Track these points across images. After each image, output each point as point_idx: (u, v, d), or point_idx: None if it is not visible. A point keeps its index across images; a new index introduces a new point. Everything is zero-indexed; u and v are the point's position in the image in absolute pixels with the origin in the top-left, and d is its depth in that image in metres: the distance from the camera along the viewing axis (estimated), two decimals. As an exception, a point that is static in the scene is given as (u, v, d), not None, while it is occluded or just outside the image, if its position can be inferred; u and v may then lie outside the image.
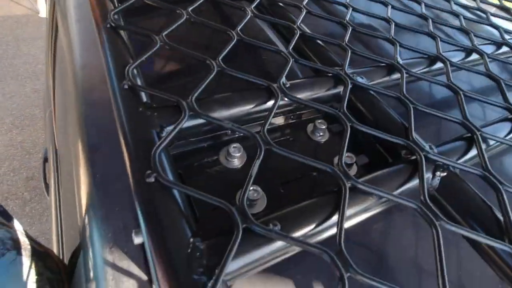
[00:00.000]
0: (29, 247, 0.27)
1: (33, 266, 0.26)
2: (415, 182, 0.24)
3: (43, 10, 2.54)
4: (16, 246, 0.26)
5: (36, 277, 0.26)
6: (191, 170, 0.25)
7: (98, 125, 0.30)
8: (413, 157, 0.25)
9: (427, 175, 0.24)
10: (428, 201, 0.21)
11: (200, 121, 0.24)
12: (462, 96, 0.32)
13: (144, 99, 0.25)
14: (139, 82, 0.26)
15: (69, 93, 0.35)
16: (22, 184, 1.62)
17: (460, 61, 0.39)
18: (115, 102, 0.24)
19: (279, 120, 0.30)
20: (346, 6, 0.42)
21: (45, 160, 0.91)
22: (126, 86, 0.24)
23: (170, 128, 0.23)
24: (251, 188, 0.23)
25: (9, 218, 0.32)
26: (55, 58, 0.79)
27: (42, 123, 1.75)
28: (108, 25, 0.29)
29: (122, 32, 0.30)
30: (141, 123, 0.23)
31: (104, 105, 0.31)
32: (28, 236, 0.28)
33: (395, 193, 0.23)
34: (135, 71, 0.27)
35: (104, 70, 0.27)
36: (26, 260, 0.26)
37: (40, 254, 0.27)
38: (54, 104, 0.84)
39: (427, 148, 0.26)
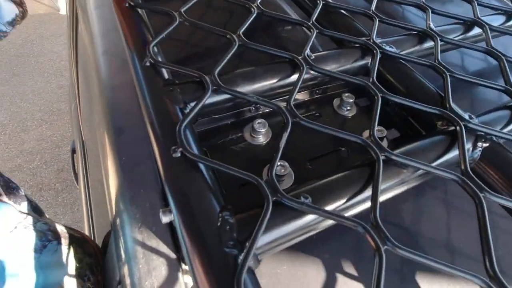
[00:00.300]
0: (67, 235, 0.28)
1: (73, 253, 0.27)
2: (454, 154, 0.22)
3: (63, 8, 2.61)
4: (56, 236, 0.27)
5: (77, 264, 0.26)
6: (216, 148, 0.25)
7: (121, 109, 0.30)
8: (451, 128, 0.23)
9: (468, 146, 0.22)
10: (470, 172, 0.20)
11: (224, 96, 0.23)
12: (505, 61, 0.29)
13: (166, 76, 0.25)
14: (160, 60, 0.26)
15: (92, 80, 0.35)
16: (54, 176, 1.71)
17: (501, 25, 0.35)
18: (137, 81, 0.24)
19: (304, 95, 0.29)
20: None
21: (73, 151, 0.95)
22: (147, 64, 0.24)
23: (193, 103, 0.23)
24: (279, 163, 0.22)
25: (41, 213, 0.33)
26: (77, 52, 0.80)
27: (68, 117, 1.82)
28: (127, 4, 0.28)
29: (140, 12, 0.29)
30: (164, 99, 0.22)
31: (127, 88, 0.31)
32: (63, 225, 0.29)
33: (436, 163, 0.22)
34: (155, 48, 0.27)
35: (125, 51, 0.27)
36: (66, 248, 0.27)
37: (79, 241, 0.28)
38: (78, 96, 0.86)
39: (466, 117, 0.24)
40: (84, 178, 0.75)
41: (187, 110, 0.23)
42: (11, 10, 0.29)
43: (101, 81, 0.33)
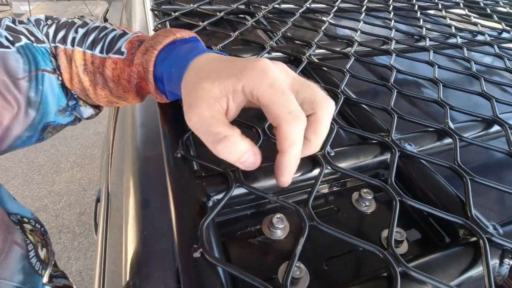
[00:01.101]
0: None
1: None
2: (478, 270, 0.21)
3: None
4: None
5: None
6: (234, 239, 0.25)
7: (151, 181, 0.32)
8: (474, 239, 0.23)
9: (493, 262, 0.22)
10: (497, 298, 0.19)
11: (246, 191, 0.25)
12: (528, 166, 0.29)
13: (195, 167, 0.27)
14: (190, 153, 0.29)
15: (127, 146, 0.39)
16: (75, 219, 1.75)
17: (521, 124, 0.36)
18: (168, 169, 0.26)
19: (323, 188, 0.30)
20: (390, 68, 0.43)
21: (98, 200, 0.99)
22: (179, 155, 0.26)
23: (217, 197, 0.25)
24: (295, 265, 0.22)
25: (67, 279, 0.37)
26: (117, 112, 0.89)
27: (98, 162, 1.93)
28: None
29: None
30: (190, 192, 0.24)
31: (158, 162, 0.33)
32: None
33: (454, 282, 0.21)
34: (188, 139, 0.29)
35: (160, 134, 0.30)
36: None
37: None
38: (111, 151, 0.92)
39: (490, 229, 0.23)
40: (103, 231, 0.77)
41: (211, 204, 0.24)
42: (90, 112, 0.37)
43: (135, 150, 0.36)
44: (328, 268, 0.24)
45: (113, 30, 0.31)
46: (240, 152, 0.20)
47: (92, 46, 0.30)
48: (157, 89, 0.29)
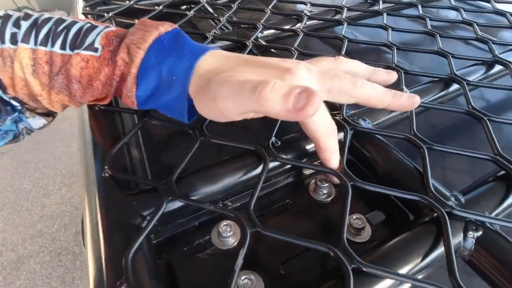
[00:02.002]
0: None
1: None
2: (443, 249, 0.19)
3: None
4: None
5: None
6: (181, 257, 0.23)
7: (92, 206, 0.29)
8: (435, 214, 0.21)
9: (456, 240, 0.20)
10: (460, 282, 0.17)
11: (183, 203, 0.22)
12: (488, 122, 0.27)
13: (128, 185, 0.24)
14: (124, 165, 0.26)
15: (82, 163, 0.36)
16: (72, 239, 1.71)
17: (479, 78, 0.34)
18: (97, 192, 0.24)
19: (277, 182, 0.27)
20: (341, 39, 0.40)
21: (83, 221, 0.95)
22: (106, 175, 0.23)
23: (152, 215, 0.22)
24: (244, 277, 0.20)
25: None
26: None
27: (84, 180, 1.87)
28: (97, 108, 0.29)
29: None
30: (119, 215, 0.21)
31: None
32: None
33: (417, 267, 0.19)
34: (119, 153, 0.26)
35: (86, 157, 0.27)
36: None
37: None
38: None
39: (451, 201, 0.21)
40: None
41: (144, 224, 0.21)
42: (41, 122, 0.32)
43: (86, 169, 0.33)
44: (285, 272, 0.22)
45: (75, 22, 0.26)
46: (288, 88, 0.18)
47: (47, 41, 0.25)
48: (134, 96, 0.25)
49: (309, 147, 0.27)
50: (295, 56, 0.36)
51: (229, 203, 0.25)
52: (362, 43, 0.40)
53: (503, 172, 0.23)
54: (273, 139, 0.26)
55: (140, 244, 0.19)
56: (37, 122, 0.31)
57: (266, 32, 0.44)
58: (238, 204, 0.26)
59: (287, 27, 0.45)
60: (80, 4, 0.54)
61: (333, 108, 0.30)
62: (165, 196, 0.21)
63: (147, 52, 0.23)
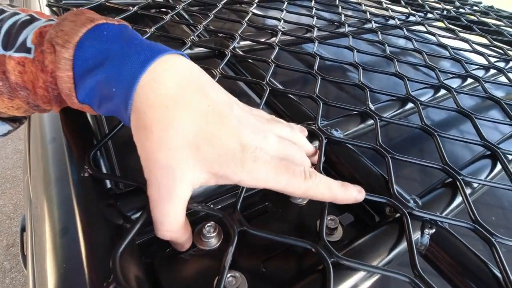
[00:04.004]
0: None
1: None
2: (404, 244, 0.22)
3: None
4: None
5: None
6: (164, 258, 0.23)
7: (69, 205, 0.28)
8: (398, 215, 0.24)
9: (415, 236, 0.23)
10: (420, 271, 0.19)
11: (169, 203, 0.22)
12: (438, 137, 0.31)
13: (109, 185, 0.24)
14: (102, 166, 0.25)
15: (39, 166, 0.33)
16: (3, 252, 1.52)
17: (429, 99, 0.39)
18: (75, 193, 0.23)
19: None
20: (313, 55, 0.43)
21: (23, 229, 0.86)
22: (86, 174, 0.23)
23: (137, 216, 0.22)
24: (229, 275, 0.21)
25: None
26: (29, 124, 0.77)
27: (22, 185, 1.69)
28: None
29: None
30: (102, 216, 0.21)
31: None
32: None
33: (386, 260, 0.22)
34: (98, 153, 0.26)
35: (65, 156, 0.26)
36: None
37: None
38: (29, 171, 0.80)
39: (411, 203, 0.24)
40: (33, 262, 0.67)
41: (129, 224, 0.21)
42: (5, 128, 0.27)
43: (47, 171, 0.31)
44: (267, 270, 0.23)
45: (14, 14, 0.21)
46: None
47: None
48: (81, 104, 0.20)
49: (288, 153, 0.28)
50: (271, 68, 0.38)
51: (212, 205, 0.26)
52: (332, 61, 0.44)
53: (450, 179, 0.28)
54: (255, 144, 0.27)
55: (127, 243, 0.19)
56: (1, 128, 0.27)
57: (243, 43, 0.46)
58: (220, 206, 0.27)
59: (262, 40, 0.47)
60: (44, -5, 0.51)
61: (308, 118, 0.33)
62: (152, 196, 0.21)
63: (77, 50, 0.18)
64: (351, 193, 0.22)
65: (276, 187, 0.20)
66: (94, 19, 0.19)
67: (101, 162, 0.26)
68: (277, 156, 0.20)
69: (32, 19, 0.20)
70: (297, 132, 0.25)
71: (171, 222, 0.19)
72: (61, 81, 0.18)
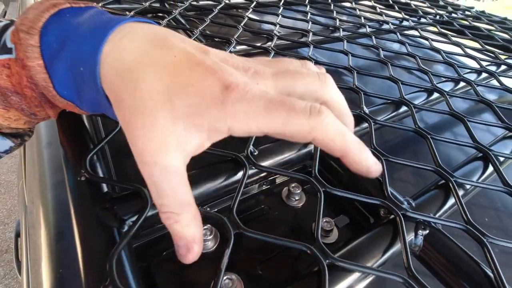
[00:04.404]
0: None
1: None
2: (398, 246, 0.23)
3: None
4: None
5: None
6: (160, 262, 0.23)
7: (65, 210, 0.28)
8: (392, 216, 0.24)
9: (409, 237, 0.23)
10: (414, 271, 0.20)
11: (165, 207, 0.22)
12: (431, 140, 0.32)
13: (105, 189, 0.24)
14: (99, 170, 0.25)
15: (35, 170, 0.33)
16: (-5, 259, 1.50)
17: (423, 102, 0.40)
18: (71, 197, 0.23)
19: (253, 189, 0.29)
20: (308, 59, 0.44)
21: (17, 235, 0.85)
22: (83, 178, 0.23)
23: (133, 220, 0.22)
24: (225, 278, 0.21)
25: None
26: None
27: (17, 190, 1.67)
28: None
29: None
30: (98, 220, 0.21)
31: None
32: None
33: (380, 261, 0.22)
34: (95, 157, 0.26)
35: (61, 160, 0.26)
36: None
37: None
38: (24, 176, 0.80)
39: (405, 205, 0.25)
40: (27, 269, 0.66)
41: (126, 229, 0.21)
42: (6, 144, 0.25)
43: (42, 173, 0.31)
44: (263, 272, 0.23)
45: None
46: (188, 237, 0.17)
47: None
48: (64, 99, 0.19)
49: (283, 156, 0.29)
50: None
51: (208, 209, 0.26)
52: (327, 65, 0.44)
53: (443, 181, 0.28)
54: (251, 148, 0.27)
55: (123, 247, 0.19)
56: (1, 143, 0.25)
57: (239, 47, 0.47)
58: (216, 210, 0.27)
59: (258, 44, 0.47)
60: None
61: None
62: (149, 200, 0.21)
63: (42, 35, 0.17)
64: (367, 156, 0.17)
65: (272, 130, 0.15)
66: (58, 4, 0.18)
67: (97, 166, 0.26)
68: (274, 89, 0.17)
69: (12, 22, 0.20)
70: (310, 63, 0.20)
71: (170, 199, 0.16)
72: (34, 71, 0.17)
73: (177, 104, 0.15)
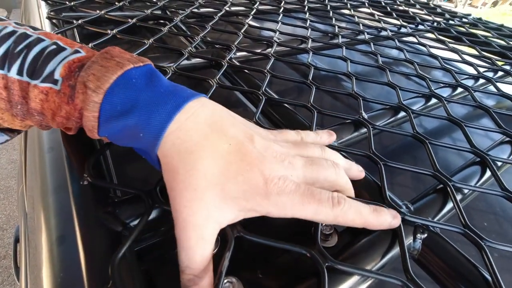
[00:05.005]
0: None
1: None
2: (397, 249, 0.23)
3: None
4: None
5: None
6: (161, 265, 0.23)
7: (67, 214, 0.28)
8: (391, 220, 0.25)
9: (408, 241, 0.23)
10: (413, 275, 0.20)
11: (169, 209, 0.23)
12: (429, 144, 0.32)
13: (107, 193, 0.24)
14: (101, 174, 0.25)
15: (36, 175, 0.33)
16: (-7, 265, 1.49)
17: (421, 108, 0.40)
18: (74, 201, 0.23)
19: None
20: (308, 66, 0.44)
21: (17, 240, 0.85)
22: (85, 183, 0.23)
23: (134, 223, 0.22)
24: (226, 281, 0.21)
25: None
26: (26, 134, 0.77)
27: (17, 196, 1.67)
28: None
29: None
30: (100, 224, 0.21)
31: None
32: None
33: (379, 264, 0.22)
34: (97, 162, 0.26)
35: (64, 164, 0.26)
36: None
37: None
38: (25, 181, 0.80)
39: (403, 209, 0.25)
40: (26, 275, 0.66)
41: (127, 232, 0.22)
42: (2, 138, 0.27)
43: (43, 178, 0.31)
44: (263, 276, 0.23)
45: (40, 40, 0.21)
46: None
47: (4, 63, 0.20)
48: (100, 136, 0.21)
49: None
50: (267, 78, 0.39)
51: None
52: (326, 71, 0.45)
53: (441, 185, 0.28)
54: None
55: (125, 250, 0.19)
56: None
57: (239, 54, 0.47)
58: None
59: (258, 50, 0.48)
60: (43, 9, 0.52)
61: (303, 127, 0.33)
62: (151, 204, 0.22)
63: (107, 95, 0.19)
64: (384, 219, 0.22)
65: (304, 217, 0.20)
66: (123, 65, 0.20)
67: (100, 170, 0.26)
68: (304, 181, 0.21)
69: (58, 49, 0.21)
70: (328, 150, 0.25)
71: (197, 265, 0.18)
72: (86, 119, 0.20)
73: (227, 188, 0.18)
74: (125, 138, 0.20)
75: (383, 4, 0.89)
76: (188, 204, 0.18)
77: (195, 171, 0.18)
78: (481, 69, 0.54)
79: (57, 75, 0.20)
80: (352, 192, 0.24)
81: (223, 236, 0.24)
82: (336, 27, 0.62)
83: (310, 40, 0.53)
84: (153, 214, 0.22)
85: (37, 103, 0.21)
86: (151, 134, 0.19)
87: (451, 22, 0.82)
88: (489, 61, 0.60)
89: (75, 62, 0.20)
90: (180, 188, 0.18)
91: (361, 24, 0.68)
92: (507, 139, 0.37)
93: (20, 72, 0.20)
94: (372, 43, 0.56)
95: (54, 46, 0.21)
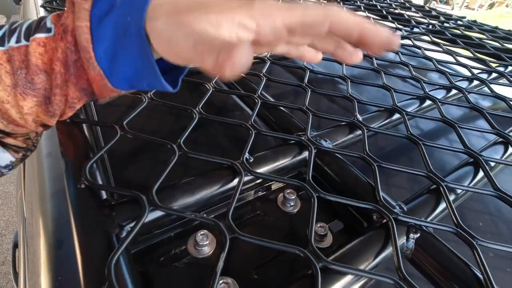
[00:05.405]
0: None
1: None
2: (390, 249, 0.23)
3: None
4: None
5: None
6: (157, 267, 0.23)
7: (64, 219, 0.28)
8: (384, 221, 0.25)
9: (401, 241, 0.24)
10: (405, 274, 0.20)
11: (163, 212, 0.23)
12: (422, 146, 0.33)
13: (104, 195, 0.24)
14: (98, 178, 0.26)
15: (34, 181, 0.34)
16: (-8, 271, 1.48)
17: (415, 109, 0.41)
18: (71, 204, 0.23)
19: (249, 195, 0.29)
20: (303, 69, 0.45)
21: (15, 245, 0.84)
22: (83, 186, 0.23)
23: (131, 226, 0.22)
24: (221, 282, 0.21)
25: None
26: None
27: (15, 201, 1.66)
28: (68, 120, 0.29)
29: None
30: (97, 226, 0.22)
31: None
32: None
33: (372, 264, 0.22)
34: (94, 165, 0.26)
35: (62, 168, 0.26)
36: None
37: None
38: (23, 186, 0.80)
39: (396, 209, 0.25)
40: (24, 281, 0.66)
41: (124, 235, 0.22)
42: (7, 158, 0.27)
43: (42, 183, 0.31)
44: (258, 277, 0.23)
45: (30, 20, 0.23)
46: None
47: (3, 41, 0.22)
48: (97, 65, 0.21)
49: (278, 163, 0.29)
50: (263, 82, 0.40)
51: (205, 215, 0.27)
52: (321, 74, 0.45)
53: (434, 186, 0.29)
54: (246, 155, 0.28)
55: (122, 252, 0.19)
56: (1, 156, 0.26)
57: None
58: (212, 216, 0.27)
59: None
60: (42, 15, 0.52)
61: (298, 129, 0.34)
62: (147, 206, 0.22)
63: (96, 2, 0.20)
64: (382, 29, 0.18)
65: (293, 21, 0.17)
66: None
67: (97, 173, 0.26)
68: None
69: (46, 16, 0.23)
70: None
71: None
72: (80, 31, 0.20)
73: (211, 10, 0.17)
74: (115, 48, 0.20)
75: (379, 7, 0.90)
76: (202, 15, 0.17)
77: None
78: (475, 71, 0.55)
79: (49, 24, 0.22)
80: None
81: (219, 239, 0.24)
82: (332, 30, 0.63)
83: (306, 43, 0.54)
84: (150, 217, 0.23)
85: (37, 58, 0.22)
86: (136, 12, 0.19)
87: (446, 24, 0.82)
88: (483, 62, 0.60)
89: (62, 12, 0.22)
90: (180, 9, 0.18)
91: (356, 28, 0.68)
92: (500, 139, 0.38)
93: (18, 40, 0.22)
94: (367, 46, 0.57)
95: (43, 16, 0.23)
